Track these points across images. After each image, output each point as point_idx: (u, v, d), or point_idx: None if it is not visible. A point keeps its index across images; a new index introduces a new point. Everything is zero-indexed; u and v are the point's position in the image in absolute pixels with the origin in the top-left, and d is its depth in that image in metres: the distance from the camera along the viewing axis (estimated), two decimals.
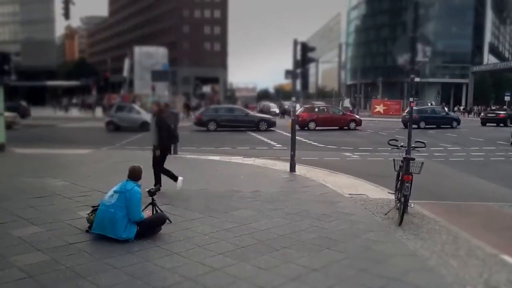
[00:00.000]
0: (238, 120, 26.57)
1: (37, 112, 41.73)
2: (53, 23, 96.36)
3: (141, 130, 24.00)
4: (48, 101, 56.87)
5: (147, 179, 6.84)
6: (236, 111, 28.34)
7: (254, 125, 26.41)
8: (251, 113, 29.48)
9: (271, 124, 26.78)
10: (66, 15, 24.87)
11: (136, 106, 29.03)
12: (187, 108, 47.41)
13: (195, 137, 21.80)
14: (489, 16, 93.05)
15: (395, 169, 7.30)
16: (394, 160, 7.30)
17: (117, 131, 24.60)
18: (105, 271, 4.55)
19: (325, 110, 31.55)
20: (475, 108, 58.56)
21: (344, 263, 4.90)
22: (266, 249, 5.28)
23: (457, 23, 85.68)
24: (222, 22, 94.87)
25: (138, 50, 62.18)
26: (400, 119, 34.16)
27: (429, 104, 49.90)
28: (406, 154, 7.14)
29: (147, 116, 25.66)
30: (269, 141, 19.81)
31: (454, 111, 52.83)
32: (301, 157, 12.62)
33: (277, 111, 48.56)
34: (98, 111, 41.10)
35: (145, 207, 6.08)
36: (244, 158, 13.37)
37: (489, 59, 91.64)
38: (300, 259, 4.97)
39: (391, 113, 46.27)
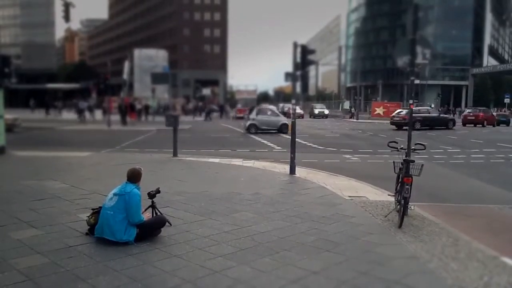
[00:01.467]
0: (435, 119, 32.46)
1: (37, 115, 41.75)
2: (53, 26, 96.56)
3: (280, 132, 26.22)
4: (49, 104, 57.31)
5: (148, 182, 6.83)
6: (432, 111, 35.09)
7: (445, 124, 32.30)
8: (442, 114, 37.53)
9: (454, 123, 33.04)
10: (66, 18, 24.93)
11: (275, 109, 31.40)
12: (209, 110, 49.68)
13: (194, 139, 21.80)
14: (489, 18, 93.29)
15: (395, 171, 7.29)
16: (394, 162, 7.30)
17: (257, 133, 25.77)
18: (105, 274, 4.54)
19: (488, 112, 39.96)
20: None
21: (344, 266, 4.89)
22: (266, 252, 5.27)
23: (456, 25, 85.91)
24: (222, 24, 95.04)
25: (138, 52, 62.28)
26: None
27: (430, 106, 49.89)
28: (406, 156, 7.15)
29: (285, 119, 27.63)
30: (268, 144, 19.81)
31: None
32: (301, 159, 12.62)
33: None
34: (98, 114, 41.05)
35: (145, 210, 6.07)
36: (244, 161, 13.37)
37: (488, 61, 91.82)
38: (300, 262, 4.97)
39: (390, 115, 46.28)
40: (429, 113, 33.54)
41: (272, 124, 27.06)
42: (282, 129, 26.40)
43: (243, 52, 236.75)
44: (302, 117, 47.98)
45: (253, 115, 27.34)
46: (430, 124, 31.34)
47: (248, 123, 27.09)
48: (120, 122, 32.42)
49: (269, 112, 28.24)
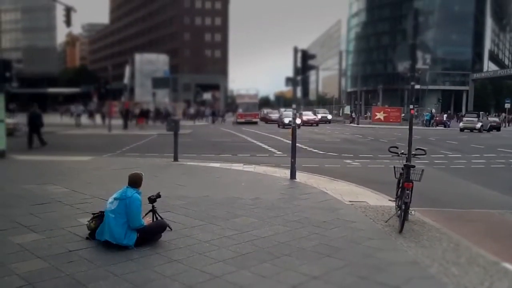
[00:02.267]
0: None
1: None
2: (54, 31, 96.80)
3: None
4: (49, 108, 57.53)
5: (148, 186, 6.82)
6: None
7: None
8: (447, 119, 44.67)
9: None
10: (68, 22, 25.02)
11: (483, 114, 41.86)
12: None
13: (195, 144, 21.80)
14: (489, 23, 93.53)
15: (395, 176, 7.29)
16: (394, 167, 7.29)
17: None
18: (105, 278, 4.53)
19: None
20: None
21: (344, 271, 4.88)
22: (266, 257, 5.27)
23: (457, 30, 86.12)
24: (223, 29, 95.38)
25: (139, 57, 62.48)
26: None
27: (431, 111, 49.93)
28: (406, 161, 7.14)
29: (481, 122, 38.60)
30: (269, 148, 19.81)
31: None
32: (301, 164, 12.60)
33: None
34: (98, 119, 41.08)
35: (146, 214, 6.07)
36: (244, 166, 13.36)
37: (489, 66, 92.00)
38: (301, 267, 4.96)
39: (391, 120, 46.36)
40: None
41: (486, 126, 38.16)
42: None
43: (244, 57, 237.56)
44: (317, 124, 43.51)
45: (483, 119, 38.80)
46: None
47: (480, 124, 36.93)
48: (122, 126, 32.51)
49: (482, 116, 39.19)
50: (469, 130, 36.85)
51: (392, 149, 7.49)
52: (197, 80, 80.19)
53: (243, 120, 45.34)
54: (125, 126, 32.70)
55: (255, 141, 23.76)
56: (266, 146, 20.77)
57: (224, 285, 4.43)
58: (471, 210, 8.67)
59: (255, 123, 45.48)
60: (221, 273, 4.71)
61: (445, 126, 45.40)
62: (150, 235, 5.71)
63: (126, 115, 34.28)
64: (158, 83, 32.05)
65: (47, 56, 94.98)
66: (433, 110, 52.86)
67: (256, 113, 50.19)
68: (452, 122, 50.16)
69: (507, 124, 52.69)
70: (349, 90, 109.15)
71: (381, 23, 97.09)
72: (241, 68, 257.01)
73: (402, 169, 6.99)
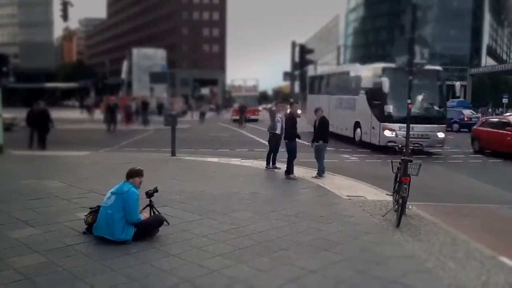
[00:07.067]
0: None
1: None
2: (51, 25, 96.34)
3: None
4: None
5: (146, 181, 6.79)
6: None
7: None
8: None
9: None
10: (65, 17, 24.91)
11: None
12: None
13: (192, 138, 21.76)
14: (487, 18, 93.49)
15: (393, 171, 7.30)
16: (392, 161, 7.30)
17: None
18: (102, 273, 4.53)
19: None
20: None
21: (342, 265, 4.89)
22: (264, 251, 5.27)
23: (455, 25, 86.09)
24: (221, 24, 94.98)
25: (136, 52, 62.08)
26: None
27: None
28: (404, 156, 7.15)
29: None
30: (267, 143, 19.74)
31: None
32: (299, 158, 12.60)
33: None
34: (97, 113, 40.94)
35: (143, 209, 6.06)
36: (242, 160, 13.36)
37: (487, 61, 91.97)
38: (298, 261, 4.97)
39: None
40: None
41: None
42: None
43: (241, 52, 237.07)
44: None
45: None
46: None
47: None
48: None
49: None
50: None
51: (390, 144, 7.50)
52: (195, 75, 79.93)
53: (238, 116, 38.06)
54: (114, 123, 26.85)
55: (252, 136, 23.71)
56: (263, 141, 20.71)
57: (222, 279, 4.43)
58: (469, 204, 8.69)
59: (255, 120, 40.65)
60: (219, 267, 4.72)
61: None
62: (148, 230, 5.70)
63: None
64: (156, 78, 31.96)
65: (44, 51, 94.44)
66: None
67: (256, 108, 44.49)
68: None
69: None
70: None
71: (379, 18, 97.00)
72: (239, 63, 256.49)
73: (400, 163, 7.00)
